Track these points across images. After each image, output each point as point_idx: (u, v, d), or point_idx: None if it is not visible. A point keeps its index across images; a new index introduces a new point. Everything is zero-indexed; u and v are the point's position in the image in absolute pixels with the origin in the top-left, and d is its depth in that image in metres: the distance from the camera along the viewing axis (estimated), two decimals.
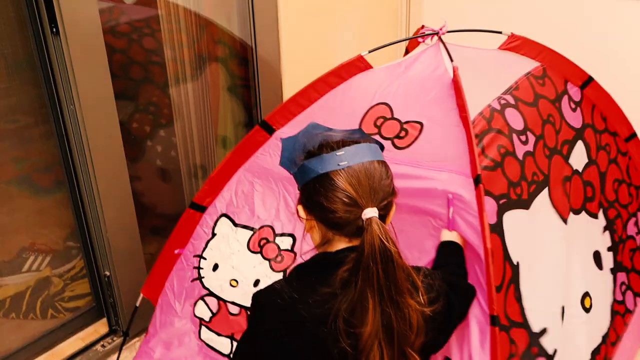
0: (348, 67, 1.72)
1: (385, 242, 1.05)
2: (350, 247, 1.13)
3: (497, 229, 1.55)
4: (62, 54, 1.82)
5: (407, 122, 1.60)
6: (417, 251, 1.58)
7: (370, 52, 1.73)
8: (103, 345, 2.26)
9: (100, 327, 2.31)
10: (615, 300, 2.08)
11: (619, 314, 2.10)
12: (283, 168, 1.22)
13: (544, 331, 1.62)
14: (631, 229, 2.24)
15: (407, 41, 2.09)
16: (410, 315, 1.08)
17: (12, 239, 2.14)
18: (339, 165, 1.10)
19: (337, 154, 1.11)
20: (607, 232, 2.11)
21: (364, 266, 1.05)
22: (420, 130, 1.58)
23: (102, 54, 1.89)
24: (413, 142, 1.57)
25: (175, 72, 2.38)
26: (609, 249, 2.11)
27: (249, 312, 1.74)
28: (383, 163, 1.16)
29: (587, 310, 1.84)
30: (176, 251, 1.83)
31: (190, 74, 2.44)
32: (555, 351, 1.64)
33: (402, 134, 1.59)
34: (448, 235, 1.49)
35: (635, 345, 2.21)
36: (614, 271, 2.10)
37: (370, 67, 1.76)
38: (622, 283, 2.15)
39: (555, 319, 1.68)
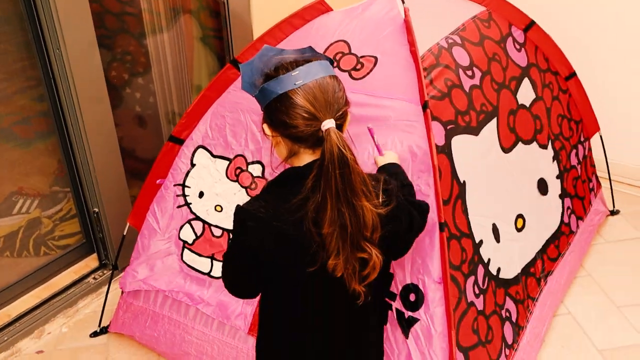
0: (310, 9, 1.90)
1: (343, 150, 1.18)
2: (315, 160, 1.25)
3: (446, 150, 1.76)
4: (48, 0, 1.96)
5: (363, 57, 1.79)
6: None
7: None
8: (95, 278, 2.44)
9: (91, 262, 2.49)
10: (562, 222, 2.33)
11: (564, 234, 2.34)
12: (246, 92, 1.31)
13: (481, 242, 1.84)
14: (573, 160, 2.48)
15: None
16: (364, 215, 1.21)
17: (1, 185, 2.28)
18: (295, 84, 1.20)
19: (292, 74, 1.21)
20: (555, 162, 2.34)
21: (325, 171, 1.18)
22: (375, 63, 1.77)
23: (84, 0, 2.03)
24: (368, 73, 1.75)
25: (151, 22, 2.52)
26: (557, 177, 2.34)
27: (231, 229, 1.93)
28: (334, 77, 1.28)
29: (518, 229, 2.06)
30: (158, 181, 2.00)
31: (166, 25, 2.58)
32: (489, 260, 1.87)
33: (358, 66, 1.77)
34: (383, 159, 1.60)
35: (577, 262, 2.47)
36: (561, 197, 2.34)
37: (331, 9, 1.93)
38: (568, 207, 2.39)
39: (487, 233, 1.89)
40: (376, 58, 1.77)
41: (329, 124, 1.20)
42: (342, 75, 1.76)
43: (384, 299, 1.68)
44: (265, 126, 1.29)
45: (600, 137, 2.65)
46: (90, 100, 2.17)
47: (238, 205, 1.29)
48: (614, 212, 2.85)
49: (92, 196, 2.35)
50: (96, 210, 2.37)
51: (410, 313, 1.67)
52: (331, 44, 1.82)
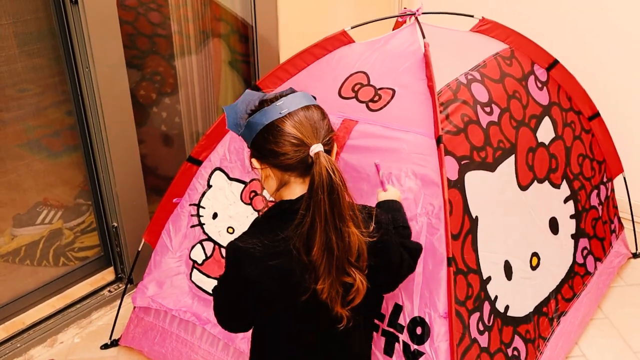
0: (332, 40, 1.93)
1: (332, 174, 1.19)
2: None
3: (458, 185, 1.75)
4: (80, 21, 2.03)
5: (381, 89, 1.81)
6: None
7: (352, 28, 1.94)
8: (110, 291, 2.49)
9: (107, 275, 2.54)
10: (576, 263, 2.28)
11: (579, 274, 2.30)
12: (231, 130, 1.33)
13: (489, 279, 1.82)
14: (594, 200, 2.44)
15: (394, 23, 2.28)
16: (350, 240, 1.23)
17: (27, 195, 2.36)
18: (280, 113, 1.23)
19: (277, 104, 1.24)
20: (570, 202, 2.30)
21: (315, 195, 1.20)
22: (392, 96, 1.78)
23: (115, 23, 2.10)
24: (385, 105, 1.77)
25: (180, 44, 2.59)
26: (572, 217, 2.31)
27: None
28: (318, 107, 1.29)
29: (533, 268, 2.03)
30: (174, 200, 2.04)
31: (195, 48, 2.65)
32: (496, 297, 1.85)
33: (376, 98, 1.79)
34: (385, 195, 1.59)
35: (594, 304, 2.41)
36: (576, 237, 2.30)
37: (353, 41, 1.96)
38: (584, 248, 2.34)
39: (497, 270, 1.87)
40: (394, 90, 1.79)
41: (317, 148, 1.22)
42: (359, 106, 1.79)
43: (373, 321, 1.68)
44: (253, 160, 1.31)
45: (624, 178, 2.61)
46: (115, 119, 2.24)
47: (231, 242, 1.29)
48: (636, 255, 2.79)
49: (111, 211, 2.40)
50: (115, 224, 2.42)
51: (415, 346, 1.67)
52: (351, 75, 1.85)
